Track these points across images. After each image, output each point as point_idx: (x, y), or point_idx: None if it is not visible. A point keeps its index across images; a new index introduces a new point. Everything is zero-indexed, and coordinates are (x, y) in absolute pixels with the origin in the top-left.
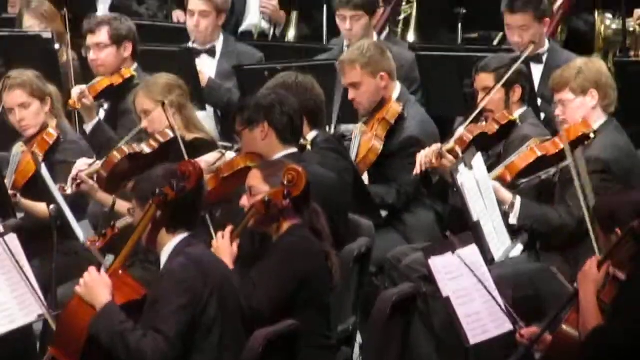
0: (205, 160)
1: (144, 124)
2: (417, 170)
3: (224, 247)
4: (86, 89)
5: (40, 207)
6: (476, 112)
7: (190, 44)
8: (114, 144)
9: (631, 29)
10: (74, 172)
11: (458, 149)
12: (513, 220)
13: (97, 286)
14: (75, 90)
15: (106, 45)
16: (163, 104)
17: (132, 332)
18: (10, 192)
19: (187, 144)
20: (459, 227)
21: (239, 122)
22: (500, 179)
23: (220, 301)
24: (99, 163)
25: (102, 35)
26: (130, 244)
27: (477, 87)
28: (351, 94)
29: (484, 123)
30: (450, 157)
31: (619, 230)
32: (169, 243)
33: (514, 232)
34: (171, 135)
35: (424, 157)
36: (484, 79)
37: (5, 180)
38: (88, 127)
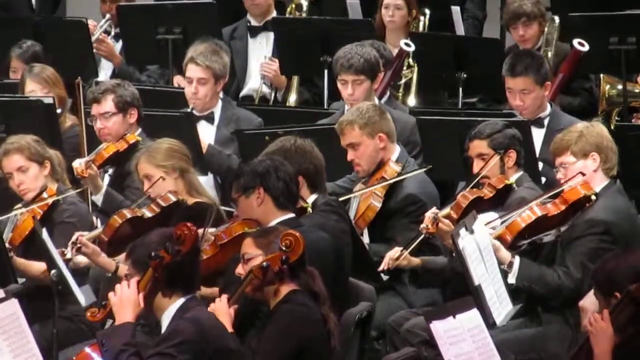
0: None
1: (147, 188)
2: (382, 267)
3: (222, 309)
4: (91, 158)
5: (35, 266)
6: (475, 180)
7: (188, 110)
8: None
9: (637, 90)
10: (74, 236)
11: (454, 215)
12: (511, 279)
13: (128, 304)
14: (79, 162)
15: (112, 114)
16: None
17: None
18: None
19: (188, 208)
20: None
21: (234, 189)
22: (500, 239)
23: None
24: (100, 228)
25: (108, 104)
26: None
27: (471, 154)
28: (350, 155)
29: (481, 188)
30: (447, 221)
31: (618, 294)
32: (169, 307)
33: (512, 292)
34: (173, 199)
35: (389, 255)
36: (477, 146)
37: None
38: (98, 199)
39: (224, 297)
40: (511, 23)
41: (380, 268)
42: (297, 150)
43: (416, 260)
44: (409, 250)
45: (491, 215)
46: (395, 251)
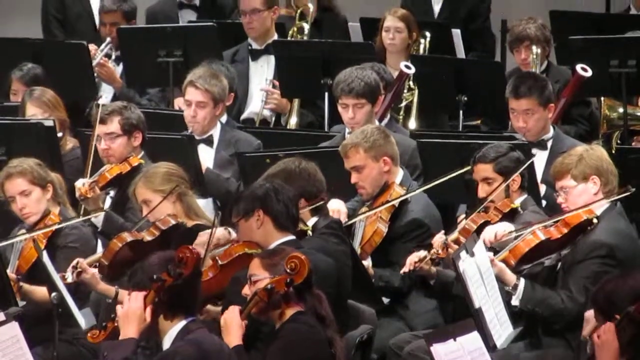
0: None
1: (145, 213)
2: (405, 269)
3: (234, 319)
4: (94, 180)
5: (42, 292)
6: (482, 206)
7: (189, 133)
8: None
9: (637, 113)
10: (75, 261)
11: (462, 239)
12: (515, 302)
13: (134, 318)
14: (83, 182)
15: (117, 135)
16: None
17: None
18: (12, 275)
19: (187, 230)
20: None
21: (234, 213)
22: (504, 263)
23: None
24: (100, 252)
25: (114, 125)
26: None
27: (476, 178)
28: (354, 178)
29: (487, 212)
30: (456, 247)
31: (618, 316)
32: (171, 330)
33: (515, 314)
34: (172, 222)
35: (414, 257)
36: (482, 170)
37: (9, 266)
38: (98, 221)
39: (236, 308)
40: (514, 46)
41: (404, 270)
42: (301, 172)
43: (434, 269)
44: (430, 256)
45: (507, 225)
46: (420, 253)
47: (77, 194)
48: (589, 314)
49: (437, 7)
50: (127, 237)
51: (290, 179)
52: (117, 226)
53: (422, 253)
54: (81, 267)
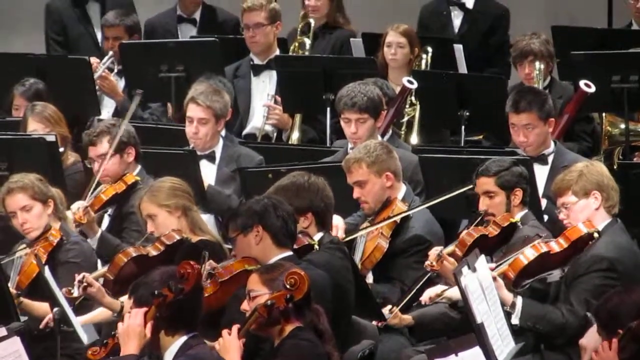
0: None
1: (150, 228)
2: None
3: (232, 343)
4: (89, 204)
5: (43, 308)
6: (479, 218)
7: (191, 147)
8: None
9: (639, 129)
10: (80, 275)
11: (459, 252)
12: (515, 320)
13: (134, 335)
14: (78, 206)
15: (109, 155)
16: None
17: None
18: (13, 291)
19: (192, 246)
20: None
21: (232, 228)
22: (503, 277)
23: None
24: (105, 267)
25: (103, 145)
26: None
27: (478, 191)
28: (356, 193)
29: (486, 226)
30: (451, 259)
31: (621, 332)
32: (172, 345)
33: (516, 332)
34: (177, 237)
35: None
36: (484, 183)
37: (9, 282)
38: (93, 242)
39: (235, 328)
40: (518, 60)
41: (374, 324)
42: (310, 186)
43: (408, 319)
44: (399, 307)
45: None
46: (386, 308)
47: (72, 218)
48: (584, 341)
49: (457, 21)
50: (132, 252)
51: (299, 193)
52: (112, 248)
53: (387, 308)
54: (87, 281)
